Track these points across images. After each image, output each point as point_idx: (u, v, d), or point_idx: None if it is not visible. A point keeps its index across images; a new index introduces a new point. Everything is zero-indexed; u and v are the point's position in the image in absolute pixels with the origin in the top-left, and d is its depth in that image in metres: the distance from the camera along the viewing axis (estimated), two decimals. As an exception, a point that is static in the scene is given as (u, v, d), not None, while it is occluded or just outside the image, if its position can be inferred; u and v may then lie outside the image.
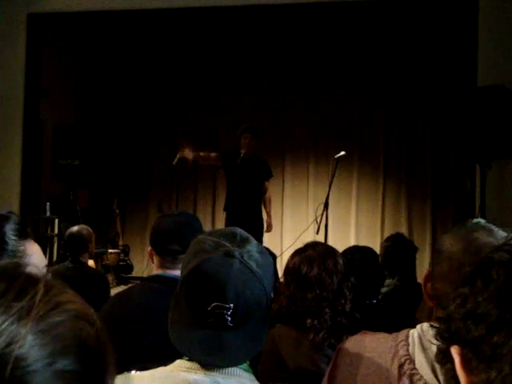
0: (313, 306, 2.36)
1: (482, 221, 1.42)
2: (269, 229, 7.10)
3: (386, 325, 2.99)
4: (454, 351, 0.81)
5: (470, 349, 0.79)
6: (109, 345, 0.66)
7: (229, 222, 6.97)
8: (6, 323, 0.58)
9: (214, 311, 1.30)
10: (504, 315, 0.76)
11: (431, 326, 1.21)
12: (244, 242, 1.38)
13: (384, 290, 3.90)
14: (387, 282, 4.04)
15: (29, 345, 0.57)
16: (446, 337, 0.86)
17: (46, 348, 0.58)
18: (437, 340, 0.90)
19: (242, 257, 1.33)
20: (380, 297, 3.77)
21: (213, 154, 7.09)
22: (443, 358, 0.89)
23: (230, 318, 1.30)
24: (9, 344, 0.56)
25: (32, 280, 0.63)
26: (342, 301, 2.39)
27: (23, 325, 0.58)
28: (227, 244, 1.36)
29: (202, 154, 6.98)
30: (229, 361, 1.33)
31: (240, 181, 6.85)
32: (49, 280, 0.65)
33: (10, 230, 1.88)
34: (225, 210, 7.04)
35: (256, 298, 1.33)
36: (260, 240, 6.83)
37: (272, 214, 7.25)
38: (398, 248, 4.27)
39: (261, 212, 7.04)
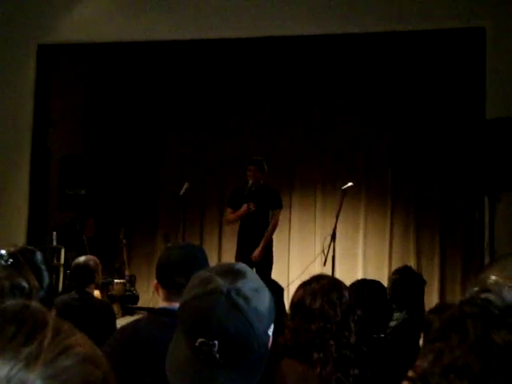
0: (316, 337, 2.34)
1: None
2: (255, 259, 6.70)
3: (393, 359, 2.96)
4: None
5: None
6: None
7: (238, 254, 6.97)
8: (15, 369, 0.57)
9: (202, 347, 1.30)
10: (488, 366, 0.74)
11: None
12: (237, 277, 1.37)
13: (393, 323, 3.86)
14: (395, 315, 3.99)
15: None
16: None
17: None
18: None
19: (229, 293, 1.32)
20: (388, 331, 3.72)
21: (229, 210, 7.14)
22: None
23: (218, 355, 1.30)
24: None
25: (40, 323, 0.63)
26: (346, 333, 2.36)
27: (32, 370, 0.58)
28: (219, 280, 1.35)
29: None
30: None
31: (247, 212, 6.85)
32: (57, 322, 0.64)
33: (41, 263, 1.91)
34: (237, 241, 7.03)
35: (241, 336, 1.31)
36: (268, 271, 6.79)
37: (278, 244, 7.16)
38: (406, 281, 4.23)
39: (269, 243, 7.00)
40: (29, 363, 0.58)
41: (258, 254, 6.74)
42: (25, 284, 1.77)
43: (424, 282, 4.40)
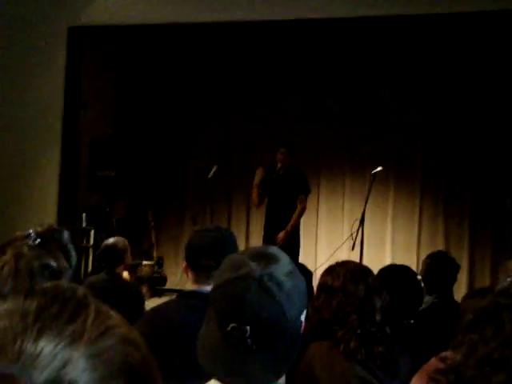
0: (338, 312, 2.34)
1: None
2: (279, 241, 6.67)
3: (422, 345, 2.94)
4: None
5: None
6: (155, 368, 0.67)
7: (265, 237, 6.97)
8: (60, 346, 0.59)
9: (233, 332, 1.30)
10: None
11: None
12: (270, 262, 1.36)
13: (422, 307, 3.87)
14: (425, 299, 3.99)
15: (81, 368, 0.58)
16: None
17: (96, 372, 0.59)
18: None
19: (262, 278, 1.31)
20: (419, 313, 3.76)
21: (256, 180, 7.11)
22: None
23: (249, 340, 1.29)
24: (63, 367, 0.58)
25: (83, 303, 0.64)
26: (369, 308, 2.35)
27: (75, 348, 0.59)
28: (251, 264, 1.34)
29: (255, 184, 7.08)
30: (252, 383, 1.34)
31: (275, 195, 6.85)
32: (97, 303, 0.66)
33: (69, 243, 1.91)
34: (264, 224, 7.02)
35: (274, 321, 1.30)
36: (296, 254, 6.79)
37: (306, 228, 7.13)
38: (441, 265, 4.22)
39: (297, 227, 6.99)
40: (73, 341, 0.59)
41: (282, 236, 6.73)
42: (54, 264, 1.79)
43: (458, 268, 4.37)
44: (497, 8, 6.23)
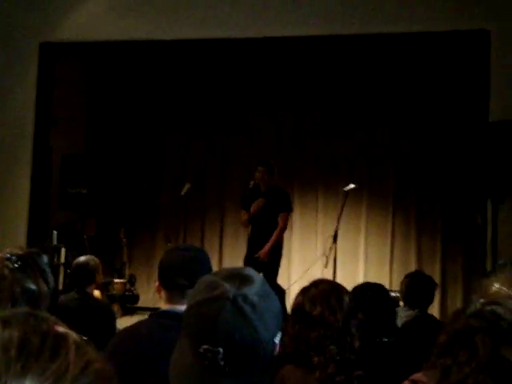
0: (316, 345, 2.32)
1: None
2: (260, 259, 6.66)
3: (400, 361, 2.94)
4: None
5: None
6: None
7: (247, 255, 6.94)
8: None
9: (206, 354, 1.27)
10: None
11: None
12: (244, 283, 1.33)
13: (405, 319, 4.13)
14: (408, 313, 4.25)
15: None
16: None
17: None
18: None
19: (236, 299, 1.29)
20: (402, 324, 3.98)
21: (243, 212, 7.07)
22: None
23: (222, 363, 1.27)
24: None
25: (61, 337, 0.62)
26: (348, 339, 2.34)
27: None
28: (225, 285, 1.31)
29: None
30: None
31: (257, 214, 6.81)
32: (74, 335, 0.64)
33: (47, 266, 1.93)
34: (247, 243, 7.03)
35: (247, 343, 1.28)
36: (274, 274, 6.77)
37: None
38: (419, 284, 4.45)
39: (279, 244, 6.96)
40: (57, 379, 0.58)
41: (263, 254, 6.69)
42: (34, 287, 1.80)
43: (435, 285, 4.60)
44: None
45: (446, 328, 0.82)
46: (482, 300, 0.88)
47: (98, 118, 9.51)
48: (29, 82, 7.30)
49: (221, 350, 1.26)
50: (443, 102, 8.50)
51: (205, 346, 1.27)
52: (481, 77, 6.60)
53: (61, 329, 0.64)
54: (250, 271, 1.41)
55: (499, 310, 0.80)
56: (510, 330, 0.76)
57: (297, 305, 2.45)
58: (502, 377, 0.72)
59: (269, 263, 6.65)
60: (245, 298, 1.30)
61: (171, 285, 2.32)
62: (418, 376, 1.48)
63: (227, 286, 1.31)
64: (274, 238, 6.78)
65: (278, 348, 1.38)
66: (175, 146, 9.53)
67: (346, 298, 2.43)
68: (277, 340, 1.36)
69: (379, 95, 8.77)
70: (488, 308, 0.81)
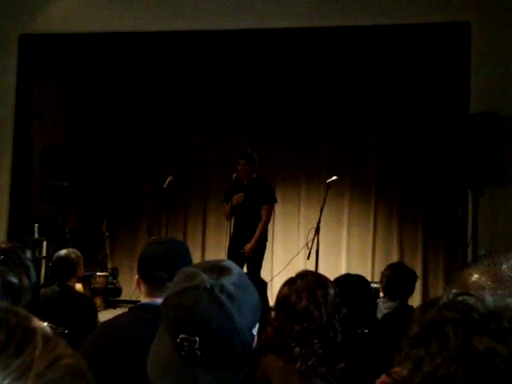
0: (299, 338, 2.32)
1: None
2: (246, 253, 6.67)
3: (380, 353, 2.95)
4: None
5: None
6: None
7: (231, 248, 6.88)
8: (6, 381, 0.56)
9: (183, 343, 1.28)
10: (470, 375, 0.71)
11: None
12: (222, 274, 1.34)
13: (385, 311, 4.14)
14: (388, 304, 4.26)
15: None
16: None
17: None
18: None
19: (213, 289, 1.30)
20: (382, 316, 4.02)
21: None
22: None
23: (199, 352, 1.28)
24: None
25: (29, 331, 0.61)
26: (331, 334, 2.34)
27: (24, 382, 0.57)
28: (203, 276, 1.32)
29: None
30: None
31: (241, 207, 6.78)
32: (44, 330, 0.63)
33: (30, 261, 1.94)
34: (231, 236, 6.95)
35: (223, 333, 1.29)
36: (258, 267, 6.75)
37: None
38: (400, 275, 4.45)
39: (264, 236, 6.93)
40: (21, 375, 0.57)
41: (249, 248, 6.67)
42: (16, 281, 1.82)
43: (416, 277, 4.58)
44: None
45: (418, 319, 0.82)
46: (454, 291, 0.89)
47: (79, 110, 9.44)
48: (8, 74, 7.23)
49: (197, 339, 1.27)
50: (424, 94, 8.53)
51: (182, 336, 1.28)
52: (461, 69, 6.63)
53: (33, 324, 0.63)
54: (230, 263, 1.42)
55: (471, 300, 0.80)
56: (482, 321, 0.76)
57: (282, 296, 2.44)
58: (473, 367, 0.72)
59: (253, 257, 6.65)
60: (222, 287, 1.31)
61: (151, 278, 2.30)
62: (396, 368, 1.49)
63: (205, 276, 1.32)
64: (258, 232, 6.75)
65: (255, 340, 1.38)
66: (156, 138, 9.50)
67: (332, 292, 2.42)
68: (254, 332, 1.37)
69: (360, 87, 8.79)
70: (460, 298, 0.82)
